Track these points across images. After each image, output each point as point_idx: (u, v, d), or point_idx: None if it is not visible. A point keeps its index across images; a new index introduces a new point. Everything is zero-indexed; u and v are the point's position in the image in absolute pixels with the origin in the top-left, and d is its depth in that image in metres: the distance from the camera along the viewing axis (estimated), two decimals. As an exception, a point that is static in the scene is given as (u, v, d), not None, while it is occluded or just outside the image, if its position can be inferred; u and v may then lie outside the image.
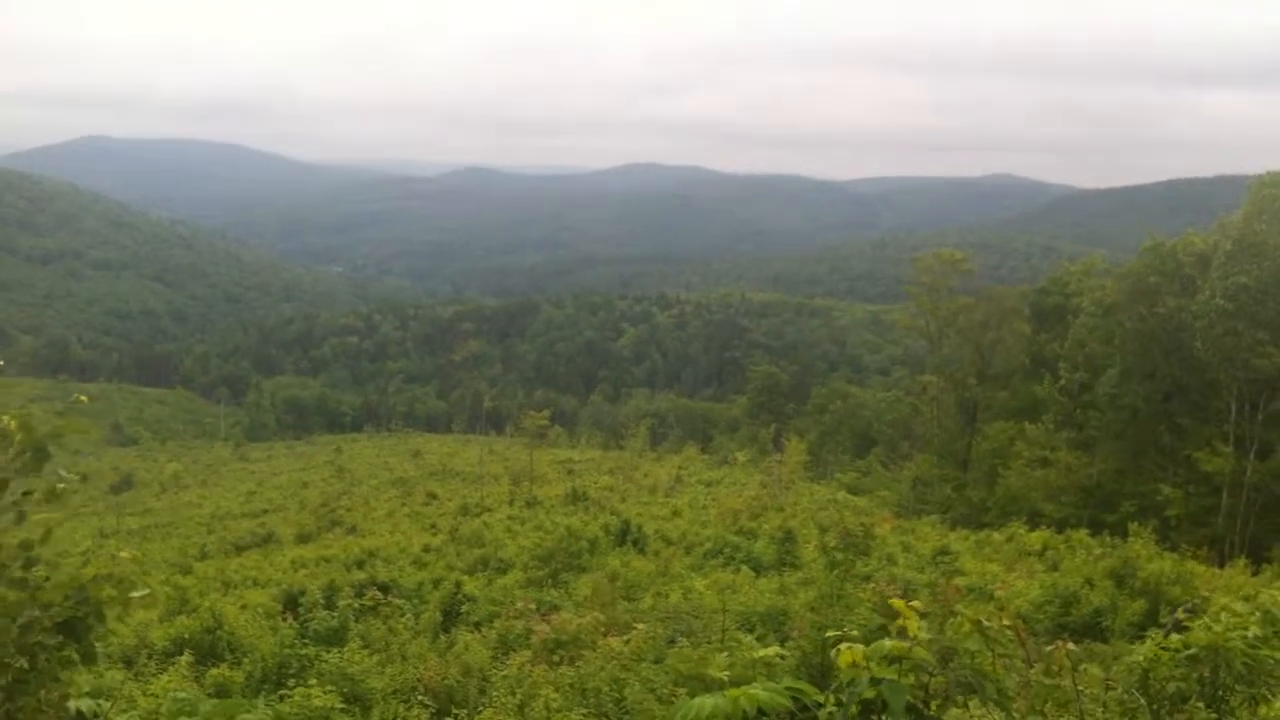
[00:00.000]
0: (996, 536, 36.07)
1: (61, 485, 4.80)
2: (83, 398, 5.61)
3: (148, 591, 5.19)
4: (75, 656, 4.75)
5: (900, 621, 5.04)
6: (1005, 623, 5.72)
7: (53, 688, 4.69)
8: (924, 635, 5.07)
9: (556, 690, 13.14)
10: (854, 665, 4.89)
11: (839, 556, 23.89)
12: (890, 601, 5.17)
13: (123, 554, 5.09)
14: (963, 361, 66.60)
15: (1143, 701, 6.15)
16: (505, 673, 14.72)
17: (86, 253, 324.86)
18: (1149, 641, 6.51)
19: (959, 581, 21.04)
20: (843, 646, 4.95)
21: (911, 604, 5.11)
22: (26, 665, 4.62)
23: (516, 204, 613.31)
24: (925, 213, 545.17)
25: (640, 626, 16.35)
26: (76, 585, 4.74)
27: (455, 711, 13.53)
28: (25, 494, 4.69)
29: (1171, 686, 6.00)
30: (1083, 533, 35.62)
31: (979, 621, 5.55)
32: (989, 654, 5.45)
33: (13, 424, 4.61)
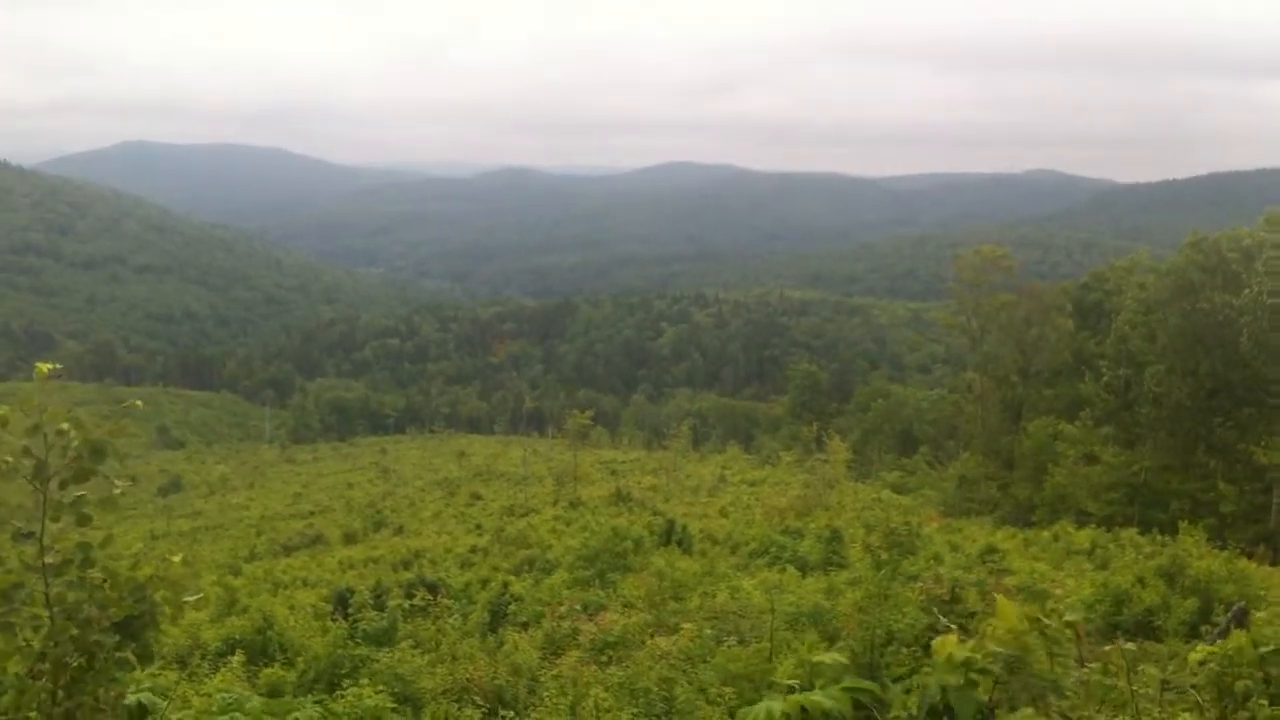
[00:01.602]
0: (1044, 535, 35.78)
1: (116, 489, 4.87)
2: (137, 402, 5.70)
3: (200, 595, 5.26)
4: (132, 656, 4.82)
5: (992, 622, 5.00)
6: (1066, 621, 5.69)
7: (109, 687, 4.76)
8: (996, 639, 5.05)
9: (606, 690, 13.17)
10: (950, 659, 4.87)
11: (885, 556, 23.82)
12: (999, 599, 5.14)
13: (175, 558, 5.15)
14: (1005, 359, 66.09)
15: (1199, 700, 6.12)
16: (555, 672, 14.76)
17: (129, 257, 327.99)
18: (1227, 640, 6.46)
19: (1008, 581, 20.89)
20: (938, 639, 4.94)
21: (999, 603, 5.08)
22: (84, 664, 4.69)
23: (554, 204, 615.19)
24: (965, 209, 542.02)
25: (687, 626, 16.35)
26: (134, 586, 4.81)
27: (504, 712, 13.59)
28: (80, 497, 4.76)
29: (1240, 685, 5.97)
30: (1132, 531, 35.28)
31: (1039, 620, 5.52)
32: (1045, 654, 5.42)
33: (70, 427, 4.67)
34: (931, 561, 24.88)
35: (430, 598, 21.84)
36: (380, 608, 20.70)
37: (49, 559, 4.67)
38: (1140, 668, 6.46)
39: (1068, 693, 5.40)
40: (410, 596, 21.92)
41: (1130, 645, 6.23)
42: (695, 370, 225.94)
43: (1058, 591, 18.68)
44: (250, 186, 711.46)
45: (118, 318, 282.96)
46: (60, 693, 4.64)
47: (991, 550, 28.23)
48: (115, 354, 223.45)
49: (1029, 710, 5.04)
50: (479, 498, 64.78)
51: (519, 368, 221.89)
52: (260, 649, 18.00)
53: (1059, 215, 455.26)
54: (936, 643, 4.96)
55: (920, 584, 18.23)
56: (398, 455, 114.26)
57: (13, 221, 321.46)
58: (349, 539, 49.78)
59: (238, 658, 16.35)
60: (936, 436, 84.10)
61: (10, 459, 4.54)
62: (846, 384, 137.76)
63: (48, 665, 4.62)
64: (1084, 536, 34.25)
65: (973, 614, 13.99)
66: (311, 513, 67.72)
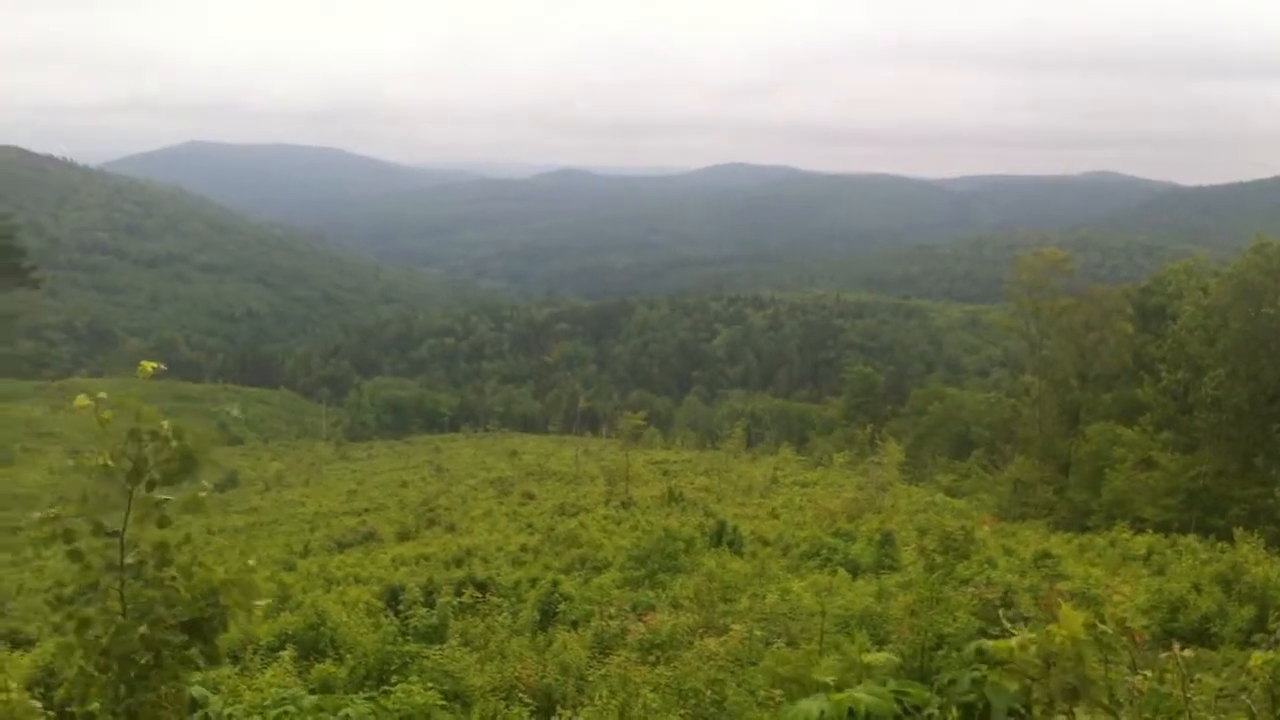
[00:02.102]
0: (1099, 540, 35.39)
1: (202, 493, 4.94)
2: (234, 410, 5.75)
3: (269, 601, 5.32)
4: (198, 657, 4.87)
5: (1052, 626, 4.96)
6: (1122, 626, 5.61)
7: (172, 684, 4.81)
8: (1029, 638, 5.00)
9: (654, 691, 13.15)
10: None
11: (938, 559, 23.66)
12: (1063, 611, 5.09)
13: (249, 561, 5.20)
14: (1064, 363, 65.37)
15: (1254, 708, 6.01)
16: (603, 672, 14.77)
17: (192, 256, 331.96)
18: None
19: (1062, 586, 20.65)
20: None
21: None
22: (151, 661, 4.74)
23: (609, 205, 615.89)
24: (1023, 211, 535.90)
25: (736, 628, 16.31)
26: (207, 589, 4.86)
27: (563, 712, 13.61)
28: (166, 499, 4.82)
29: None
30: (1189, 537, 34.80)
31: (1093, 625, 5.45)
32: (1097, 659, 5.35)
33: (168, 431, 4.73)
34: (985, 566, 24.66)
35: (480, 596, 21.95)
36: (431, 605, 20.83)
37: (128, 558, 4.73)
38: (1196, 675, 6.35)
39: (1119, 699, 5.33)
40: (460, 594, 22.04)
41: (1186, 652, 6.12)
42: (750, 372, 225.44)
43: (1115, 597, 18.44)
44: (309, 186, 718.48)
45: (180, 315, 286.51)
46: (124, 687, 4.69)
47: (1046, 555, 27.96)
48: (177, 351, 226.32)
49: (1070, 708, 4.98)
50: (531, 497, 65.02)
51: (573, 368, 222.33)
52: (312, 644, 18.15)
53: (1118, 218, 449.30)
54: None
55: (973, 588, 18.09)
56: (451, 454, 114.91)
57: (79, 220, 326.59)
58: (402, 536, 50.10)
59: (289, 653, 16.51)
60: (992, 440, 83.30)
61: (111, 462, 4.61)
62: (902, 387, 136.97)
63: (114, 660, 4.68)
64: (1141, 542, 33.84)
65: (1026, 619, 13.84)
66: (365, 510, 68.25)
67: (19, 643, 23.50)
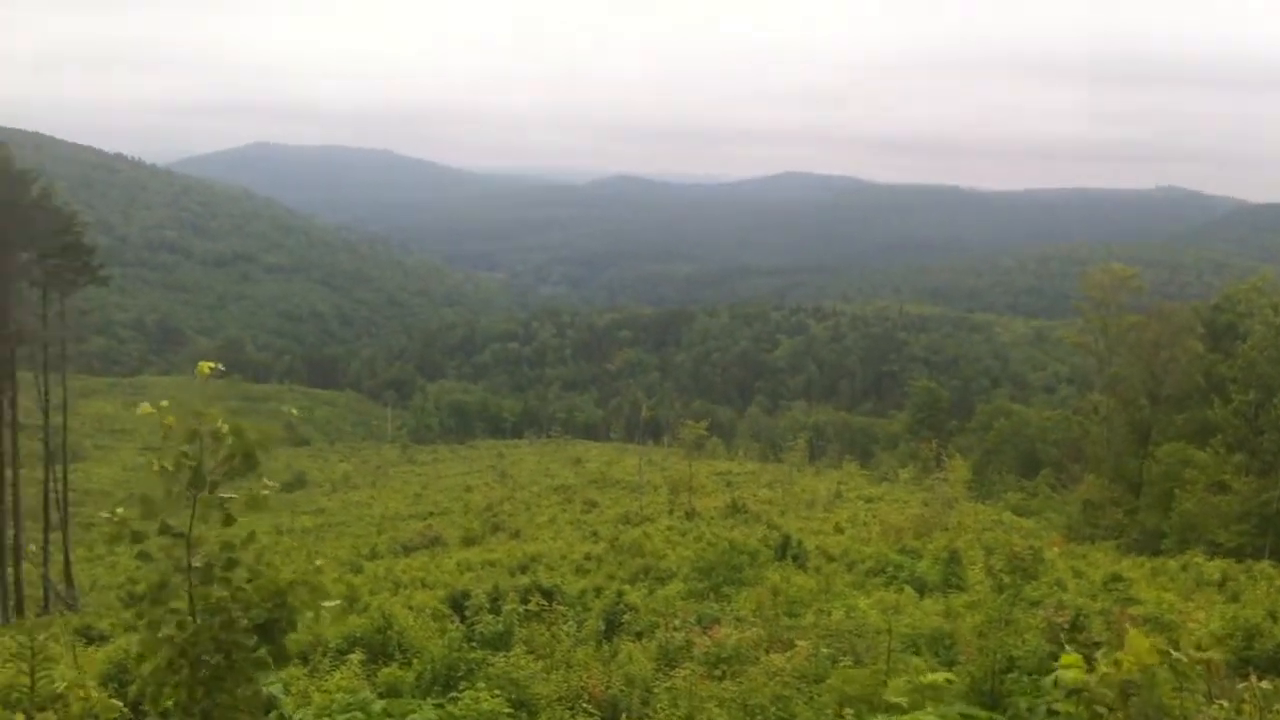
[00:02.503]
0: (1172, 564, 34.83)
1: (264, 491, 4.98)
2: (293, 410, 5.84)
3: (338, 603, 5.35)
4: (268, 657, 4.92)
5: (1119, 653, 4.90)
6: (1198, 655, 5.52)
7: (247, 686, 4.86)
8: (1106, 669, 4.95)
9: (719, 705, 13.12)
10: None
11: (1006, 580, 23.37)
12: (1130, 636, 5.03)
13: (317, 562, 5.24)
14: (1133, 381, 64.45)
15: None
16: (668, 685, 14.75)
17: (259, 256, 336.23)
18: None
19: (1134, 610, 20.35)
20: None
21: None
22: (223, 662, 4.79)
23: (672, 212, 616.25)
24: (1091, 225, 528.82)
25: (802, 644, 16.23)
26: (276, 589, 4.90)
27: (625, 721, 13.62)
28: (229, 498, 4.86)
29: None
30: (1265, 563, 34.15)
31: (1168, 653, 5.37)
32: (1173, 688, 5.28)
33: (227, 431, 4.78)
34: (1054, 587, 24.37)
35: (546, 603, 22.00)
36: (496, 611, 20.91)
37: (195, 559, 4.78)
38: (1275, 706, 6.22)
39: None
40: (526, 601, 22.10)
41: (1265, 684, 6.00)
42: (812, 383, 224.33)
43: (1188, 624, 18.17)
44: (373, 189, 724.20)
45: (246, 315, 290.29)
46: (199, 690, 4.74)
47: (1117, 578, 27.52)
48: (244, 351, 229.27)
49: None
50: (594, 505, 65.16)
51: (635, 375, 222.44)
52: (379, 648, 18.28)
53: (1188, 234, 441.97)
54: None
55: (1042, 610, 17.87)
56: (515, 459, 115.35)
57: (148, 219, 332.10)
58: (467, 541, 50.39)
59: (357, 656, 16.66)
60: (1060, 458, 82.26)
61: (170, 465, 4.67)
62: (967, 402, 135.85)
63: (187, 662, 4.73)
64: (1214, 567, 33.25)
65: (1097, 643, 13.66)
66: (431, 513, 68.69)
67: (93, 638, 23.89)
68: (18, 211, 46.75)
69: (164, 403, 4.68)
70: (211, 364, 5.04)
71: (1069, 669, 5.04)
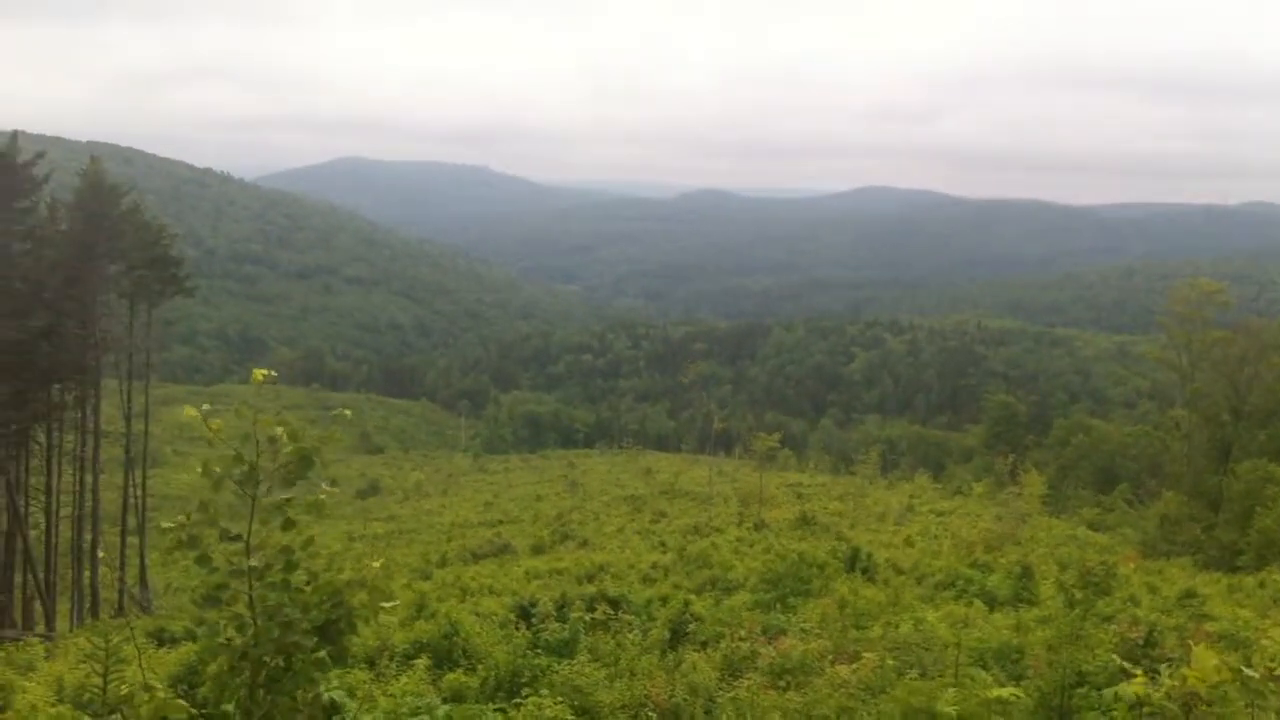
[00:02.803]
0: (1249, 581, 34.01)
1: (323, 495, 5.02)
2: (346, 412, 5.89)
3: (397, 603, 5.38)
4: (328, 658, 4.95)
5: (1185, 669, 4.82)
6: (1270, 672, 5.41)
7: (307, 687, 4.90)
8: (1171, 684, 4.86)
9: (783, 716, 13.04)
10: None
11: (1079, 595, 22.98)
12: (1196, 652, 4.95)
13: (375, 564, 5.27)
14: (1217, 397, 63.24)
15: None
16: (732, 694, 14.69)
17: (341, 269, 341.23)
18: None
19: (1208, 627, 19.92)
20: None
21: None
22: (283, 664, 4.83)
23: (750, 227, 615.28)
24: (1175, 241, 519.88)
25: (868, 656, 16.08)
26: (333, 591, 4.94)
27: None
28: (287, 501, 4.90)
29: None
30: (1347, 582, 33.23)
31: (1240, 670, 5.27)
32: (1245, 705, 5.17)
33: (283, 433, 4.83)
34: (1128, 603, 23.92)
35: (611, 612, 22.01)
36: (563, 619, 20.96)
37: (253, 561, 4.82)
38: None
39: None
40: (592, 610, 22.13)
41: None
42: (886, 397, 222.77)
43: (1263, 642, 17.72)
44: (455, 203, 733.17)
45: (327, 326, 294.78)
46: (260, 691, 4.79)
47: (1192, 594, 26.95)
48: (324, 361, 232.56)
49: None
50: (663, 515, 65.09)
51: (708, 388, 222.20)
52: (445, 653, 18.39)
53: (1275, 250, 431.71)
54: (1121, 686, 4.80)
55: (1115, 626, 17.55)
56: (586, 469, 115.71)
57: (234, 231, 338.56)
58: (536, 550, 50.57)
59: (423, 661, 16.79)
60: (1138, 474, 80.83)
61: (219, 469, 4.73)
62: (1045, 417, 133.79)
63: (248, 664, 4.78)
64: (1293, 584, 32.44)
65: (1170, 659, 13.39)
66: (500, 521, 69.07)
67: (165, 640, 24.28)
68: (107, 224, 47.86)
69: (206, 406, 4.74)
70: (265, 371, 5.08)
71: (1130, 684, 4.97)
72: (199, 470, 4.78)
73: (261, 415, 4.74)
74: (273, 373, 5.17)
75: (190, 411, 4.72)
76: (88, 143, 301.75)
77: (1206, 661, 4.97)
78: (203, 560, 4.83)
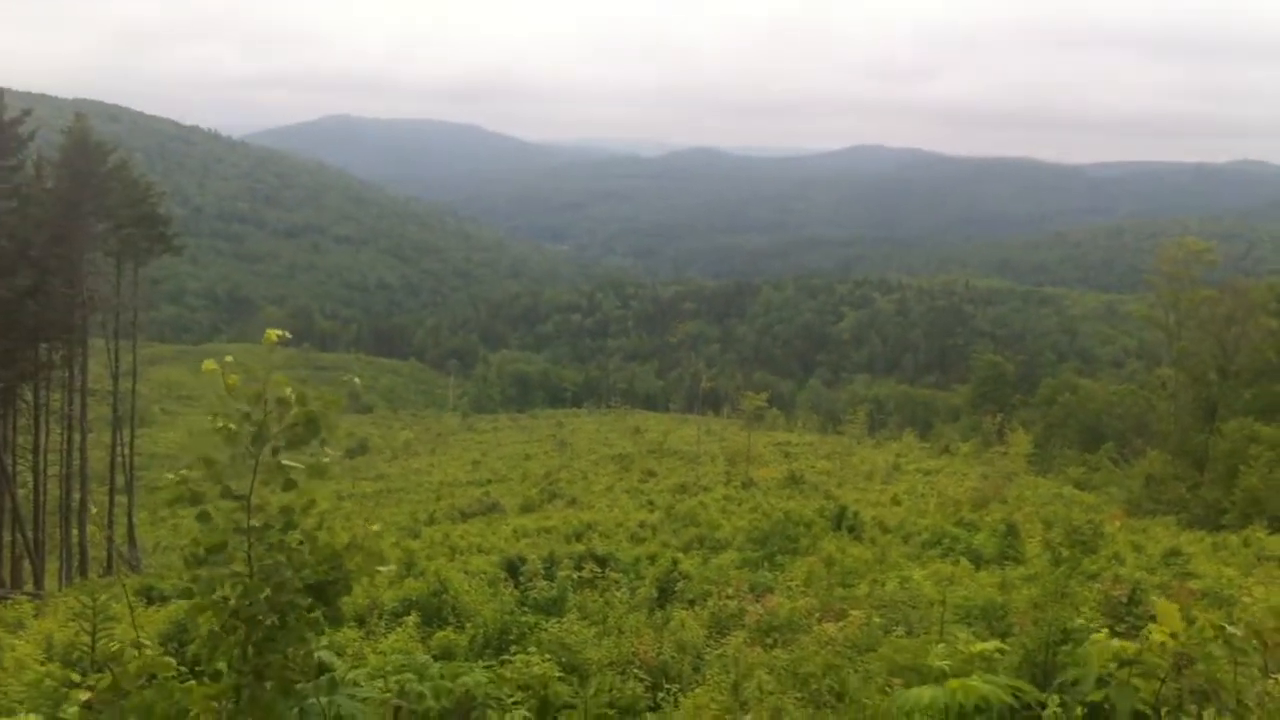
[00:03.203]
0: (1233, 539, 34.28)
1: (327, 458, 5.04)
2: (355, 379, 5.88)
3: (392, 568, 5.42)
4: (322, 618, 4.99)
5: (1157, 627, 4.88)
6: (1253, 629, 5.47)
7: (299, 646, 4.94)
8: (1160, 639, 4.92)
9: (769, 673, 13.14)
10: (1112, 654, 4.77)
11: (1064, 553, 23.17)
12: (1159, 606, 5.01)
13: (374, 527, 5.30)
14: (1203, 356, 63.50)
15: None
16: (719, 651, 14.81)
17: (329, 227, 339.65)
18: None
19: (1192, 585, 20.09)
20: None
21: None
22: (277, 622, 4.87)
23: (740, 185, 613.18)
24: (1165, 199, 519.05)
25: (855, 613, 16.21)
26: (331, 553, 4.97)
27: (668, 686, 13.68)
28: (291, 465, 4.91)
29: None
30: (1330, 539, 33.54)
31: (1223, 627, 5.32)
32: (1228, 662, 5.23)
33: (291, 396, 4.84)
34: (1112, 561, 24.10)
35: (599, 570, 22.15)
36: (550, 578, 21.09)
37: (254, 521, 4.85)
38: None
39: (1249, 702, 5.20)
40: (580, 568, 22.26)
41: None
42: (875, 356, 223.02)
43: (1245, 599, 17.92)
44: (446, 162, 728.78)
45: (315, 285, 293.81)
46: (252, 649, 4.83)
47: (1176, 553, 27.17)
48: (312, 320, 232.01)
49: (1198, 711, 4.87)
50: (652, 474, 65.27)
51: (696, 347, 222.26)
52: (434, 611, 18.48)
53: (1264, 209, 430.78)
54: (1094, 638, 4.84)
55: (1099, 583, 17.70)
56: (574, 428, 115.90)
57: (222, 190, 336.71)
58: (524, 509, 50.71)
59: (413, 619, 16.90)
60: (1124, 432, 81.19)
61: (234, 425, 4.74)
62: (1032, 376, 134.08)
63: (241, 621, 4.81)
64: (1276, 542, 32.72)
65: (1153, 617, 13.51)
66: (489, 481, 69.22)
67: (154, 598, 24.35)
68: (94, 182, 47.58)
69: (229, 357, 4.74)
70: (279, 331, 5.07)
71: (1104, 639, 5.02)
72: (210, 422, 4.77)
73: (273, 375, 4.75)
74: (286, 333, 5.16)
75: (209, 365, 4.71)
76: (74, 100, 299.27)
77: (1171, 616, 5.02)
78: (203, 516, 4.85)
